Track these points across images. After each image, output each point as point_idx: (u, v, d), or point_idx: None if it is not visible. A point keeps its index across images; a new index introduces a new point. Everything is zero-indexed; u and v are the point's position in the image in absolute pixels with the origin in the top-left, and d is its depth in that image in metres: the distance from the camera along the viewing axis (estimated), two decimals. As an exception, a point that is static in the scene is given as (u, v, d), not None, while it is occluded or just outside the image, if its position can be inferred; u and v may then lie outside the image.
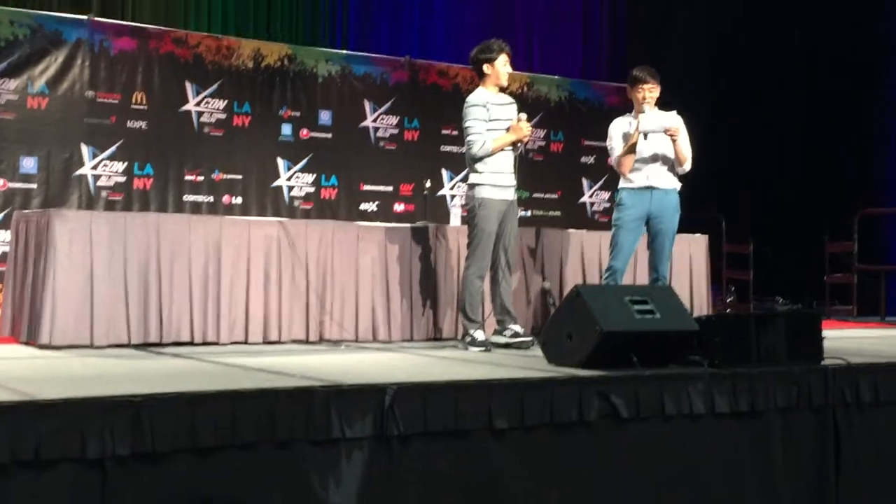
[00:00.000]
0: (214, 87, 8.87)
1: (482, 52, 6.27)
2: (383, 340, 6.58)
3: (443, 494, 3.99)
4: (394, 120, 9.70)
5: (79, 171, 8.24)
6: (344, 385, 3.96)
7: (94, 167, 8.31)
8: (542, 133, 10.42)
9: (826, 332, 5.41)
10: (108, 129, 8.39)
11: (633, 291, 5.28)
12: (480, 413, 4.08)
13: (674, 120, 6.44)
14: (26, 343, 5.86)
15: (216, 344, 6.08)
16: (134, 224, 6.00)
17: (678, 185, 6.54)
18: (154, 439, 3.42)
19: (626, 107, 6.80)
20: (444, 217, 8.55)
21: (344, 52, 9.82)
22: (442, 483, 3.99)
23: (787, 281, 11.39)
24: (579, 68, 11.96)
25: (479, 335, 6.10)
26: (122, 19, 9.07)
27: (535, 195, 10.38)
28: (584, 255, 7.49)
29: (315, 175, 9.31)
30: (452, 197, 9.76)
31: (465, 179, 6.43)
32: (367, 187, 9.56)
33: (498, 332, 6.25)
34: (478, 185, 6.19)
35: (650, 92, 6.44)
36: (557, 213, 10.50)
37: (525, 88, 10.39)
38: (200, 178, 8.79)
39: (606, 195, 10.63)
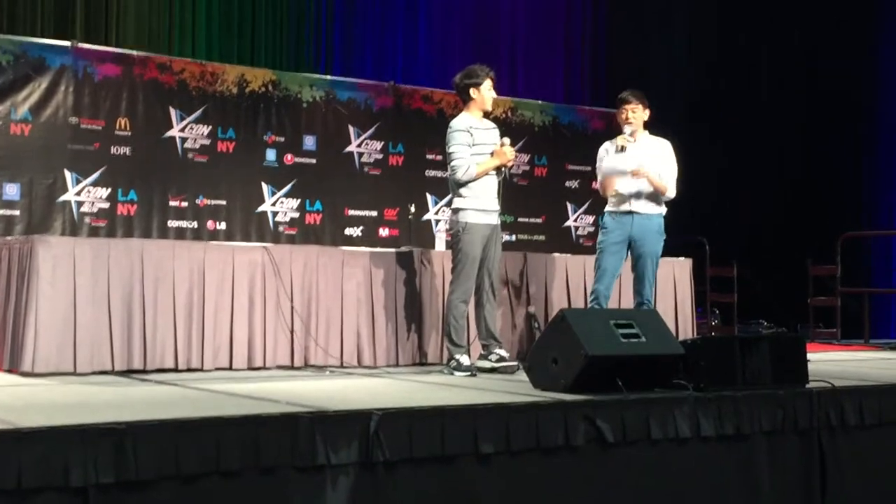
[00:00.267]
0: (198, 112, 8.85)
1: (468, 77, 6.29)
2: (368, 366, 6.57)
3: (429, 520, 3.98)
4: (378, 145, 9.70)
5: (62, 198, 8.21)
6: (329, 411, 3.94)
7: (78, 193, 8.28)
8: (526, 158, 10.44)
9: (810, 355, 5.43)
10: (91, 155, 8.35)
11: (619, 315, 5.29)
12: (466, 438, 4.07)
13: (657, 151, 6.51)
14: (9, 371, 5.82)
15: (200, 370, 6.05)
16: (118, 250, 5.98)
17: (662, 210, 6.57)
18: (138, 467, 3.40)
19: (611, 131, 6.85)
20: (429, 242, 8.55)
21: (328, 77, 9.83)
22: (428, 509, 3.98)
23: (770, 304, 11.43)
24: (562, 93, 12.02)
25: (465, 360, 6.09)
26: (105, 45, 9.06)
27: (520, 219, 10.39)
28: (568, 280, 7.50)
29: (299, 200, 9.29)
30: (437, 222, 9.76)
31: (449, 204, 6.43)
32: (351, 212, 9.55)
33: (483, 357, 6.24)
34: (462, 209, 6.20)
35: (632, 112, 6.50)
36: (542, 238, 10.50)
37: (509, 113, 10.42)
38: (184, 204, 8.76)
39: (591, 219, 10.65)
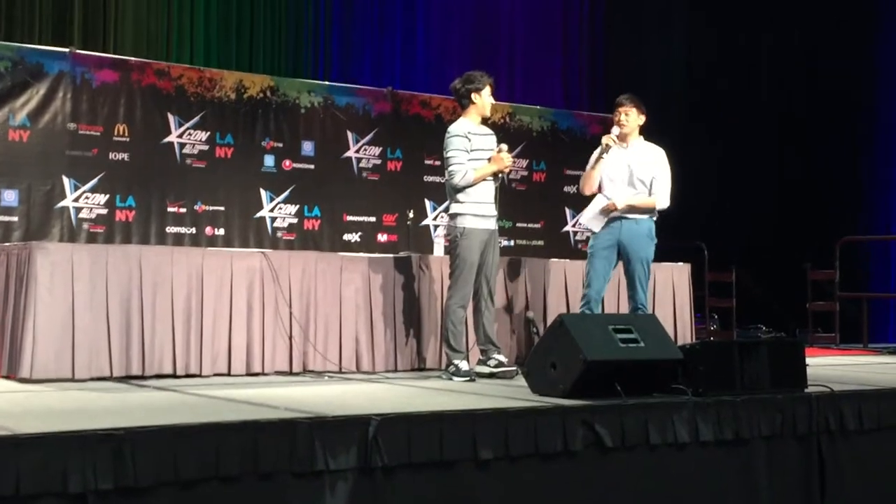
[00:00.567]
0: (197, 118, 8.86)
1: (468, 83, 6.29)
2: (367, 371, 6.56)
3: (428, 526, 3.97)
4: (376, 150, 9.71)
5: (60, 204, 8.21)
6: (328, 416, 3.94)
7: (76, 199, 8.28)
8: (524, 163, 10.45)
9: (809, 360, 5.43)
10: (89, 161, 8.35)
11: (617, 320, 5.29)
12: (465, 443, 4.06)
13: (649, 158, 6.53)
14: (7, 377, 5.81)
15: (199, 376, 6.05)
16: (116, 256, 5.98)
17: (652, 216, 6.56)
18: (137, 473, 3.39)
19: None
20: (428, 247, 8.55)
21: (326, 83, 9.84)
22: (427, 514, 3.98)
23: (769, 309, 11.43)
24: (561, 98, 12.03)
25: (463, 365, 6.08)
26: (103, 52, 9.07)
27: (518, 224, 10.39)
28: (567, 285, 7.49)
29: (298, 206, 9.29)
30: (436, 227, 9.76)
31: (447, 210, 6.43)
32: (350, 218, 9.55)
33: (482, 362, 6.24)
34: (459, 214, 6.20)
35: (625, 115, 6.52)
36: (540, 243, 10.50)
37: (507, 118, 10.43)
38: (183, 210, 8.76)
39: (589, 224, 10.64)
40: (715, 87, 12.39)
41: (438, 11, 11.65)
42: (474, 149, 6.22)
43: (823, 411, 5.04)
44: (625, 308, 7.25)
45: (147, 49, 9.74)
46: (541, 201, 10.60)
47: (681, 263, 8.17)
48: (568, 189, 10.76)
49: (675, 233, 10.55)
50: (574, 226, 10.82)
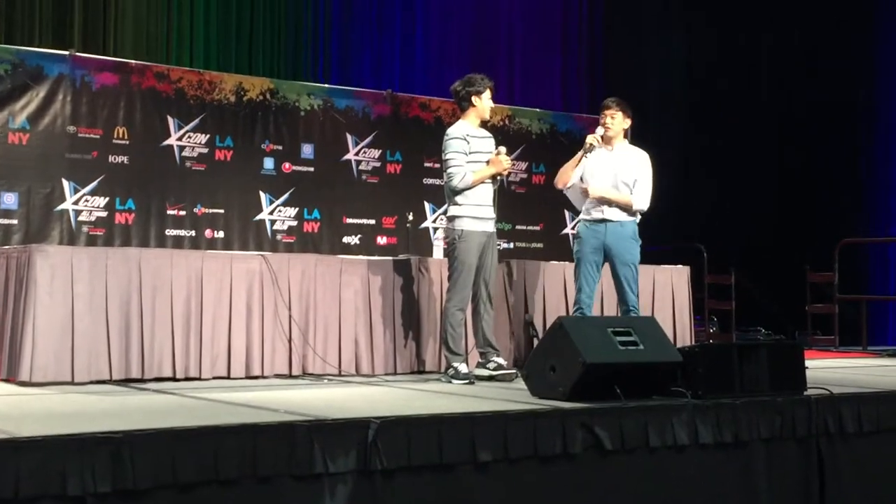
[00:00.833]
0: (196, 121, 8.86)
1: (469, 85, 6.30)
2: (366, 374, 6.56)
3: (427, 529, 3.97)
4: (376, 153, 9.71)
5: (60, 207, 8.21)
6: (327, 419, 3.94)
7: (76, 202, 8.28)
8: (523, 165, 10.45)
9: (808, 363, 5.43)
10: (89, 164, 8.35)
11: (617, 323, 5.29)
12: (464, 446, 4.06)
13: (632, 161, 6.55)
14: (6, 380, 5.81)
15: (198, 379, 6.04)
16: (115, 259, 5.98)
17: (636, 218, 6.57)
18: (135, 476, 3.39)
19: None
20: (427, 249, 8.54)
21: (326, 85, 9.84)
22: (426, 517, 3.97)
23: (768, 311, 11.43)
24: (560, 101, 12.03)
25: (463, 368, 6.08)
26: (103, 54, 9.07)
27: (518, 227, 10.39)
28: (566, 287, 7.49)
29: (297, 209, 9.29)
30: (435, 229, 9.75)
31: (445, 212, 6.43)
32: (349, 220, 9.55)
33: (481, 365, 6.24)
34: (458, 217, 6.21)
35: (611, 118, 6.56)
36: (540, 245, 10.50)
37: (507, 121, 10.43)
38: (182, 213, 8.76)
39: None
40: (715, 88, 12.39)
41: (438, 13, 11.66)
42: (473, 151, 6.22)
43: (823, 414, 5.04)
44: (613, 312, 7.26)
45: (147, 52, 9.74)
46: (540, 204, 10.59)
47: (680, 266, 8.17)
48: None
49: (675, 235, 10.53)
50: (574, 228, 10.81)
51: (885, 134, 12.23)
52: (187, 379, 6.01)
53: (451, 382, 6.02)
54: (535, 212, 10.53)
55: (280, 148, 9.26)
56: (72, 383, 5.66)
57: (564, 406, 4.55)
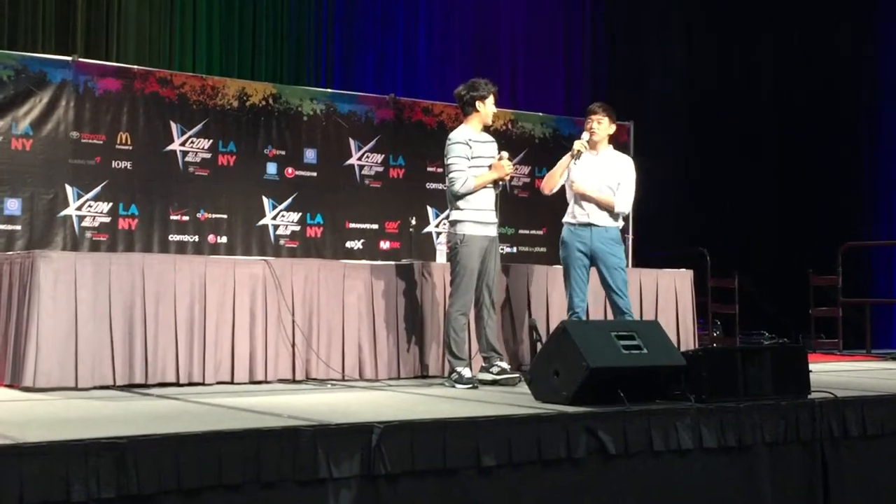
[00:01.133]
0: (199, 126, 8.87)
1: (474, 90, 6.30)
2: (370, 379, 6.56)
3: (431, 534, 3.97)
4: (379, 158, 9.71)
5: (63, 212, 8.22)
6: (331, 424, 3.94)
7: (79, 208, 8.29)
8: (526, 169, 10.45)
9: (812, 366, 5.42)
10: (92, 169, 8.36)
11: (620, 327, 5.29)
12: (468, 451, 4.06)
13: (616, 167, 6.61)
14: (10, 386, 5.81)
15: (202, 384, 6.05)
16: (119, 265, 5.99)
17: (619, 224, 6.64)
18: (139, 482, 3.40)
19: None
20: (430, 254, 8.54)
21: (328, 90, 9.84)
22: (430, 522, 3.97)
23: (772, 315, 11.42)
24: (563, 105, 12.03)
25: (466, 372, 6.08)
26: (106, 60, 9.09)
27: (521, 231, 10.39)
28: (569, 291, 7.48)
29: (300, 213, 9.30)
30: (438, 234, 9.75)
31: (448, 217, 6.44)
32: (352, 225, 9.56)
33: (484, 369, 6.24)
34: (460, 221, 6.21)
35: (597, 124, 6.64)
36: (543, 250, 10.49)
37: (509, 125, 10.43)
38: (185, 218, 8.77)
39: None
40: (715, 90, 12.40)
41: (440, 18, 11.67)
42: (475, 156, 6.23)
43: (826, 417, 5.04)
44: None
45: (149, 57, 9.75)
46: (543, 208, 10.58)
47: (683, 270, 8.17)
48: (570, 195, 10.75)
49: (677, 238, 10.53)
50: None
51: (885, 134, 12.22)
52: (191, 384, 6.02)
53: (454, 387, 6.02)
54: (537, 216, 10.52)
55: (283, 153, 9.26)
56: (75, 389, 5.66)
57: (568, 410, 4.55)
